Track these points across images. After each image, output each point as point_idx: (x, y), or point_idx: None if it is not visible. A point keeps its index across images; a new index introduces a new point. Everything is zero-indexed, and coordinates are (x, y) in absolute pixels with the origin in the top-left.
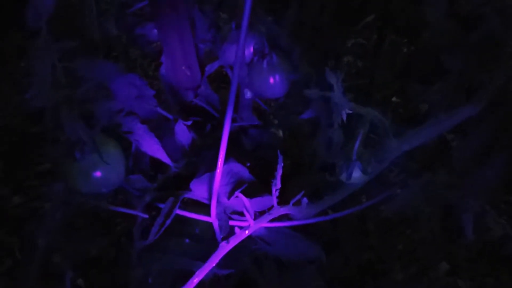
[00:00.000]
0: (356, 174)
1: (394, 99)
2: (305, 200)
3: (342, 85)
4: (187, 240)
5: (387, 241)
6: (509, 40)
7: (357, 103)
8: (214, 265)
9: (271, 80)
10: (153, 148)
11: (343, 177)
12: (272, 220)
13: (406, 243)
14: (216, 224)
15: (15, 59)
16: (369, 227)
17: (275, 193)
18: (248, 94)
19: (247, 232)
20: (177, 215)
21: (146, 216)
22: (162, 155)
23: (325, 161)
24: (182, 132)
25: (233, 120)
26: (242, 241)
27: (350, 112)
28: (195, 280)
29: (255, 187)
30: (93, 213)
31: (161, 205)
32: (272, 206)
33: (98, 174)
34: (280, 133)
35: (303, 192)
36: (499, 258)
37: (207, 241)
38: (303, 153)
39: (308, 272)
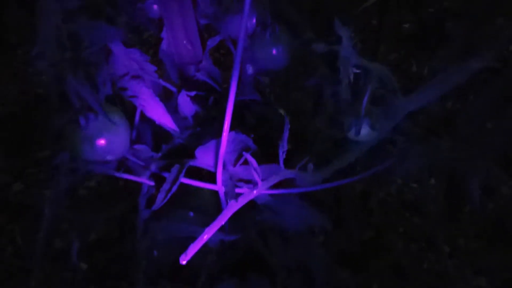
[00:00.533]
0: (365, 131)
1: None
2: (311, 165)
3: (352, 38)
4: (191, 213)
5: (389, 220)
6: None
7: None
8: (223, 223)
9: (274, 52)
10: (158, 112)
11: (351, 134)
12: (278, 187)
13: (407, 224)
14: (222, 191)
15: (14, 48)
16: (372, 205)
17: (282, 155)
18: (250, 70)
19: (255, 192)
20: (182, 185)
21: (152, 183)
22: (167, 120)
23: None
24: (185, 104)
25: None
26: (248, 210)
27: (358, 71)
28: (205, 237)
29: (260, 157)
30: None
31: (166, 175)
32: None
33: (102, 141)
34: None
35: (308, 157)
36: (502, 239)
37: (211, 213)
38: (307, 125)
39: (312, 245)
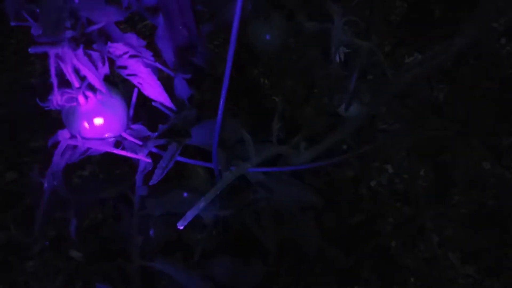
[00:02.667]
0: (354, 106)
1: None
2: (303, 143)
3: (342, 18)
4: (185, 194)
5: (379, 210)
6: None
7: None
8: (217, 193)
9: (268, 37)
10: (156, 91)
11: (341, 109)
12: (271, 166)
13: (396, 210)
14: (217, 169)
15: (7, 37)
16: (362, 191)
17: (275, 132)
18: None
19: (249, 165)
20: (177, 163)
21: (149, 160)
22: (165, 99)
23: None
24: (181, 86)
25: None
26: (242, 188)
27: (348, 50)
28: (201, 204)
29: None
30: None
31: (163, 153)
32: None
33: (100, 119)
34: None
35: (300, 136)
36: (490, 227)
37: (205, 188)
38: (300, 109)
39: (304, 224)
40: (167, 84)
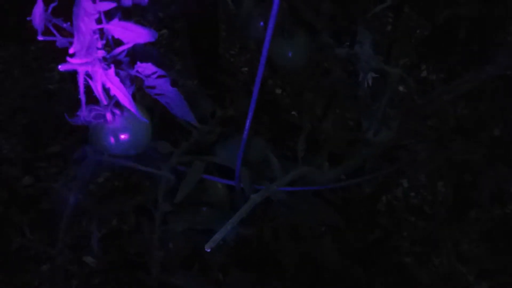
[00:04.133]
0: (383, 131)
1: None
2: (326, 163)
3: (373, 43)
4: (204, 208)
5: (397, 222)
6: None
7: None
8: (243, 216)
9: (290, 54)
10: (183, 110)
11: (369, 135)
12: (293, 185)
13: (414, 226)
14: (240, 187)
15: (28, 43)
16: (380, 208)
17: (300, 152)
18: None
19: (275, 187)
20: (200, 179)
21: (173, 176)
22: (191, 118)
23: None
24: (205, 103)
25: None
26: (262, 205)
27: (376, 75)
28: (228, 227)
29: (278, 153)
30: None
31: (184, 169)
32: (298, 166)
33: (126, 136)
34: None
35: (324, 156)
36: (506, 243)
37: (227, 205)
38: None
39: (322, 241)
40: (190, 100)
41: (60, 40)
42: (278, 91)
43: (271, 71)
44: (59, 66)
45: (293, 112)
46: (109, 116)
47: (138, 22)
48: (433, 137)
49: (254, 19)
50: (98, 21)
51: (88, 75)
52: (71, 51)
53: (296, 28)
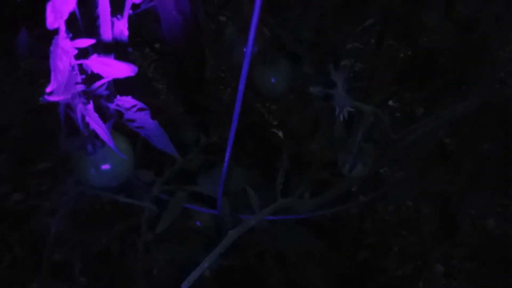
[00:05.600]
0: (358, 167)
1: (390, 102)
2: (307, 194)
3: (345, 84)
4: (191, 233)
5: (384, 241)
6: (502, 43)
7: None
8: (222, 252)
9: (273, 80)
10: (163, 143)
11: (345, 170)
12: (275, 214)
13: (402, 244)
14: (222, 217)
15: (16, 58)
16: (367, 227)
17: (279, 185)
18: None
19: (253, 221)
20: (183, 208)
21: (155, 208)
22: (171, 150)
23: (327, 156)
24: (189, 129)
25: None
26: (246, 235)
27: (352, 110)
28: (206, 265)
29: (259, 182)
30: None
31: (167, 198)
32: (277, 199)
33: (108, 167)
34: (281, 133)
35: (304, 187)
36: (494, 259)
37: (210, 233)
38: (305, 150)
39: (308, 267)
40: (174, 128)
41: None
42: (264, 115)
43: (257, 96)
44: (41, 98)
45: (278, 134)
46: (89, 147)
47: (123, 50)
48: (414, 166)
49: (237, 46)
50: (77, 57)
51: (69, 107)
52: (48, 89)
53: (278, 55)
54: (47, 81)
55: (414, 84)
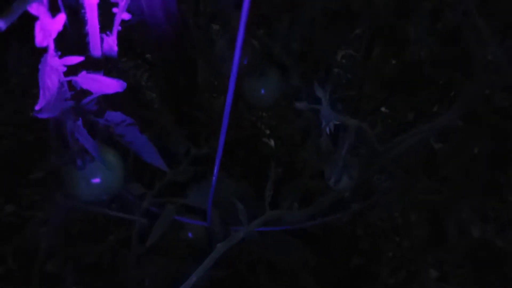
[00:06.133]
0: (344, 180)
1: (383, 109)
2: (295, 204)
3: (330, 98)
4: (181, 245)
5: (376, 247)
6: (482, 54)
7: (345, 114)
8: (210, 265)
9: (262, 91)
10: (152, 157)
11: (331, 182)
12: (265, 225)
13: (394, 249)
14: (212, 229)
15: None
16: (359, 233)
17: (267, 198)
18: None
19: (241, 234)
20: (173, 220)
21: (145, 221)
22: (160, 164)
23: (316, 166)
24: (179, 141)
25: None
26: (237, 245)
27: (338, 122)
28: (194, 279)
29: (249, 193)
30: (88, 220)
31: (158, 210)
32: (265, 211)
33: (98, 181)
34: (272, 142)
35: (294, 197)
36: (487, 263)
37: (201, 245)
38: (294, 161)
39: (300, 276)
40: (164, 139)
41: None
42: (255, 124)
43: (248, 106)
44: (32, 113)
45: (269, 142)
46: (79, 162)
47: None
48: (401, 176)
49: (227, 57)
50: (66, 73)
51: (59, 121)
52: (37, 107)
53: (267, 66)
54: (39, 92)
55: (401, 93)
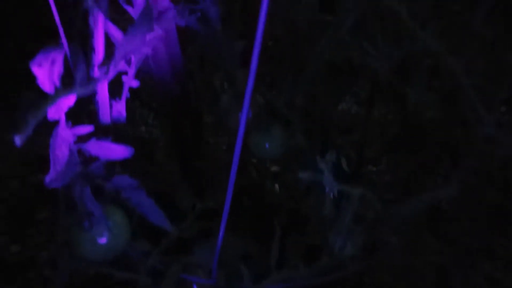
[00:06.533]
0: (348, 247)
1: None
2: (301, 265)
3: (332, 171)
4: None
5: None
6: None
7: (347, 181)
8: None
9: (267, 145)
10: (159, 218)
11: (335, 249)
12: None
13: None
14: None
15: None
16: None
17: (273, 258)
18: None
19: None
20: (179, 278)
21: (149, 280)
22: (166, 225)
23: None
24: (185, 195)
25: None
26: None
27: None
28: None
29: (255, 250)
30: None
31: (163, 268)
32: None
33: (104, 242)
34: (277, 188)
35: (298, 255)
36: None
37: None
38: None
39: None
40: (170, 194)
41: None
42: (260, 173)
43: (253, 157)
44: (45, 183)
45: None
46: (86, 223)
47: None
48: (405, 234)
49: (233, 112)
50: (76, 141)
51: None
52: (47, 179)
53: (271, 121)
54: (46, 131)
55: (402, 154)
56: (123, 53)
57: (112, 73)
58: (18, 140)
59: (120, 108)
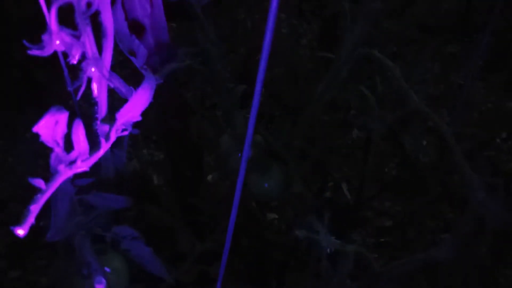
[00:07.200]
0: None
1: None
2: None
3: (327, 229)
4: None
5: None
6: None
7: (343, 238)
8: None
9: (266, 185)
10: (157, 268)
11: None
12: None
13: None
14: None
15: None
16: None
17: None
18: None
19: None
20: None
21: None
22: (164, 274)
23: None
24: (184, 236)
25: None
26: None
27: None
28: None
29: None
30: None
31: None
32: None
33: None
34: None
35: None
36: None
37: None
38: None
39: None
40: (169, 235)
41: None
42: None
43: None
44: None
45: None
46: (85, 272)
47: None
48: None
49: (233, 153)
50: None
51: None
52: (48, 235)
53: (270, 162)
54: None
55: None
56: (125, 119)
57: (113, 138)
58: (20, 231)
59: (121, 156)
